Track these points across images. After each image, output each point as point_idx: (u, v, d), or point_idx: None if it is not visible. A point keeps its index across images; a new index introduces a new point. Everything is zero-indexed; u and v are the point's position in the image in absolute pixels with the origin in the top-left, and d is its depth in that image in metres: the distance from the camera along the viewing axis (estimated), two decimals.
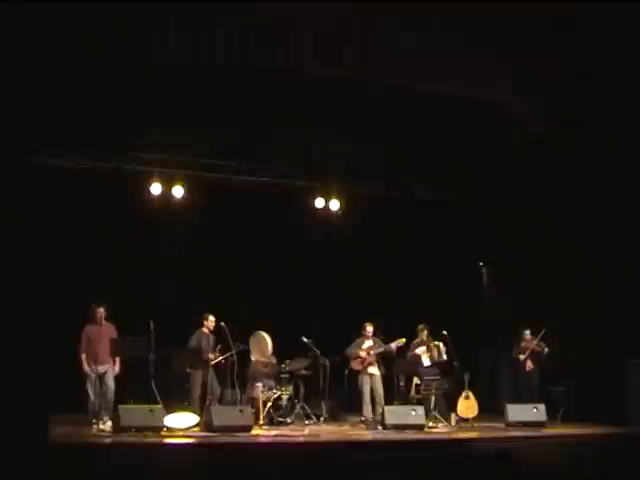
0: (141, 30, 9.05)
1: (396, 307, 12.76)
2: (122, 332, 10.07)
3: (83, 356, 9.82)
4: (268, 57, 9.69)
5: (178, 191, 11.75)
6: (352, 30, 9.82)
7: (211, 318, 10.58)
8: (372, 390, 10.89)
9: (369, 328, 11.10)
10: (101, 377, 9.84)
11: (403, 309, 12.66)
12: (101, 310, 9.99)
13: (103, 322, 10.01)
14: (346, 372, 11.27)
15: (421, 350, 11.31)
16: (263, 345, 11.10)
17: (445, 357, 11.24)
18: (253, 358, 11.09)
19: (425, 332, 11.38)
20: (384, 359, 11.05)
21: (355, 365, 11.01)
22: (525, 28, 10.50)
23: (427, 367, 11.25)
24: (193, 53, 9.44)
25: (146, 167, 11.43)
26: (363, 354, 10.96)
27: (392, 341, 10.96)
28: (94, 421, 9.47)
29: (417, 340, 11.43)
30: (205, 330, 10.63)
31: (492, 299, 13.67)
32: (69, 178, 11.12)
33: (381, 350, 10.96)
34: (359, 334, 11.18)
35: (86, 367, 9.78)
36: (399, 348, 10.98)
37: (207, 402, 10.10)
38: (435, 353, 11.23)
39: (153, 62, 9.68)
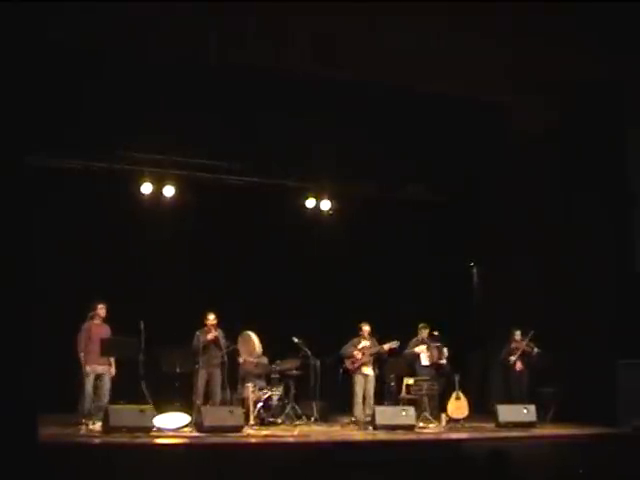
0: (137, 30, 8.93)
1: (391, 307, 12.75)
2: (114, 332, 10.03)
3: (81, 355, 9.72)
4: (266, 57, 9.62)
5: (169, 191, 11.66)
6: (352, 30, 9.70)
7: (210, 317, 10.48)
8: (363, 390, 10.87)
9: (366, 328, 11.04)
10: (98, 380, 9.76)
11: (395, 309, 12.67)
12: (103, 307, 9.90)
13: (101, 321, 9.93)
14: (340, 371, 11.23)
15: (420, 349, 11.30)
16: (251, 345, 11.05)
17: (445, 361, 11.24)
18: (242, 358, 11.03)
19: (426, 331, 11.34)
20: (377, 360, 11.03)
21: (348, 364, 10.99)
22: (525, 28, 10.39)
23: (424, 367, 11.25)
24: (188, 53, 9.34)
25: (138, 167, 11.31)
26: (357, 353, 10.92)
27: (385, 342, 10.93)
28: (84, 421, 9.40)
29: (416, 338, 11.39)
30: (206, 329, 10.50)
31: (483, 299, 13.67)
32: (63, 178, 11.03)
33: (375, 351, 10.94)
34: (353, 334, 11.11)
35: (87, 367, 9.66)
36: (391, 349, 10.94)
37: (198, 402, 10.08)
38: (435, 353, 11.22)
39: (147, 62, 9.59)
